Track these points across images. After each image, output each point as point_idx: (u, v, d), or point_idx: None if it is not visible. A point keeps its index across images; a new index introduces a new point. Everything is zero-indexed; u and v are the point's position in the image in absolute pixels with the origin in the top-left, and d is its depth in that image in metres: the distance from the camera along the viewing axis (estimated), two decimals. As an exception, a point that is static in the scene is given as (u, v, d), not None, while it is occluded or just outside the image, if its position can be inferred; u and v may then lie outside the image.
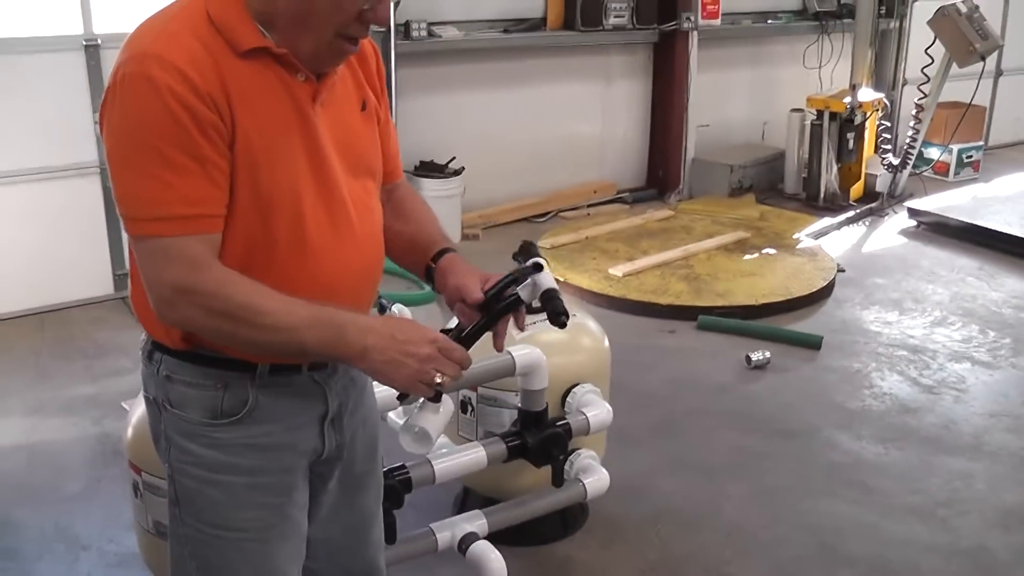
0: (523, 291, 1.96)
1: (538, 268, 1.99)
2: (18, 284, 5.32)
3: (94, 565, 3.33)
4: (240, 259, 1.72)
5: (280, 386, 1.86)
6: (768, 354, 4.82)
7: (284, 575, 1.97)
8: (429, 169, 6.56)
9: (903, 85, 8.08)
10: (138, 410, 2.82)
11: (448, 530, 2.94)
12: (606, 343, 3.45)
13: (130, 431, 2.80)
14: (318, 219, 1.77)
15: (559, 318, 1.94)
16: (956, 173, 8.33)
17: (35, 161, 5.27)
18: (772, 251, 6.33)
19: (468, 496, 3.52)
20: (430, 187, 6.44)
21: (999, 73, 9.19)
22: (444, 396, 1.84)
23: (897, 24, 8.02)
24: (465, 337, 1.90)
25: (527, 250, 2.04)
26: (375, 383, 1.92)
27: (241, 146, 1.68)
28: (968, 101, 7.60)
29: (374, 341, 1.69)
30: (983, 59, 7.10)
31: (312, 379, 1.90)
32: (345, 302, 1.78)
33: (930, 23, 7.22)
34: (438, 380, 1.73)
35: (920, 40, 7.47)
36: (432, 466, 2.86)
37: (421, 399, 1.83)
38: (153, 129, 1.62)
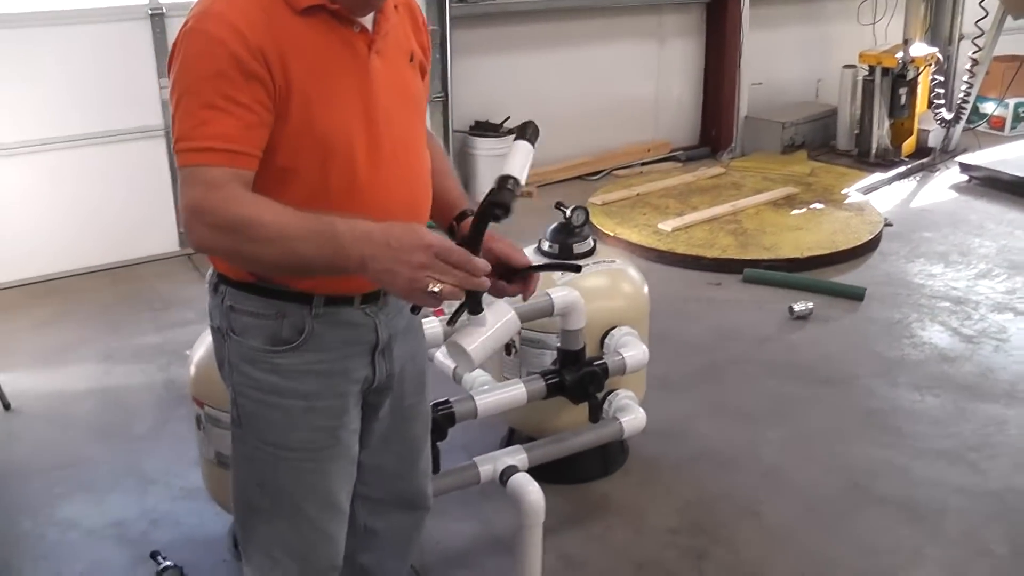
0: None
1: (524, 136, 1.95)
2: (90, 241, 5.58)
3: (161, 498, 3.55)
4: (300, 207, 1.83)
5: (334, 316, 2.01)
6: (811, 305, 4.91)
7: (334, 493, 2.13)
8: (484, 129, 6.71)
9: (959, 40, 8.03)
10: (200, 348, 3.02)
11: (490, 463, 3.09)
12: (645, 290, 3.59)
13: (192, 368, 3.01)
14: (370, 160, 1.92)
15: (492, 209, 1.81)
16: (1012, 127, 8.27)
17: (105, 125, 5.52)
18: (820, 206, 6.39)
19: (513, 436, 3.69)
20: (485, 146, 6.59)
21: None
22: (488, 314, 1.83)
23: (952, -23, 7.97)
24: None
25: (523, 129, 1.98)
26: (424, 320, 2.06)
27: (297, 94, 1.82)
28: (1024, 55, 7.56)
29: (370, 251, 1.70)
30: (1038, 11, 7.04)
31: (364, 312, 2.04)
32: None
33: (984, -24, 7.18)
34: (435, 288, 1.67)
35: (976, -7, 7.43)
36: (474, 401, 3.03)
37: (466, 316, 1.83)
38: (199, 74, 1.79)
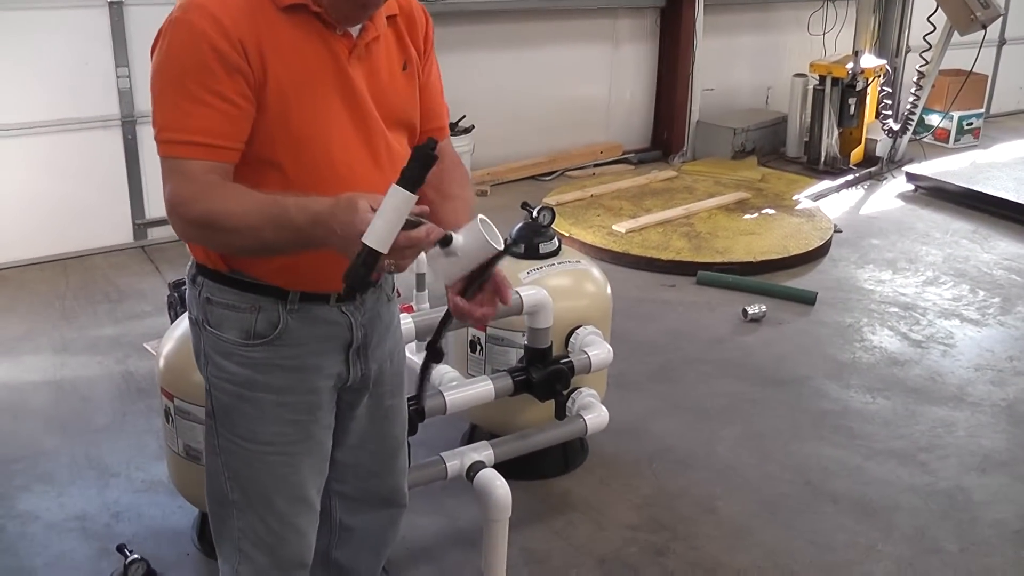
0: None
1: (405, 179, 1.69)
2: (43, 231, 5.52)
3: (123, 491, 3.52)
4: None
5: (308, 312, 2.04)
6: (764, 308, 5.01)
7: (304, 488, 2.15)
8: (439, 127, 6.71)
9: (906, 52, 8.20)
10: (169, 341, 3.02)
11: (457, 459, 3.12)
12: (608, 290, 3.64)
13: (162, 361, 2.99)
14: (350, 158, 1.95)
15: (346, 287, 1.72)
16: (956, 140, 8.48)
17: (60, 113, 5.45)
18: (772, 211, 6.50)
19: (475, 433, 3.72)
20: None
21: (1002, 42, 9.32)
22: (458, 241, 1.78)
23: (901, -9, 8.13)
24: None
25: (412, 164, 1.68)
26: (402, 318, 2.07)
27: (273, 89, 1.86)
28: (969, 69, 7.74)
29: (323, 233, 1.72)
30: (984, 28, 7.21)
31: (340, 310, 2.07)
32: None
33: (932, -9, 7.34)
34: (391, 269, 1.74)
35: (923, 7, 7.60)
36: (443, 397, 3.06)
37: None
38: (183, 65, 1.82)
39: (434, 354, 2.02)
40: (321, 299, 2.04)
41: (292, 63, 1.88)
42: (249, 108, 1.85)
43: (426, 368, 2.08)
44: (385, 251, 1.63)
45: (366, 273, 1.64)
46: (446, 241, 1.77)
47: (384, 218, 1.63)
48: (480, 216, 1.81)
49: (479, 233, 1.78)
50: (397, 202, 1.64)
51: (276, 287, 2.00)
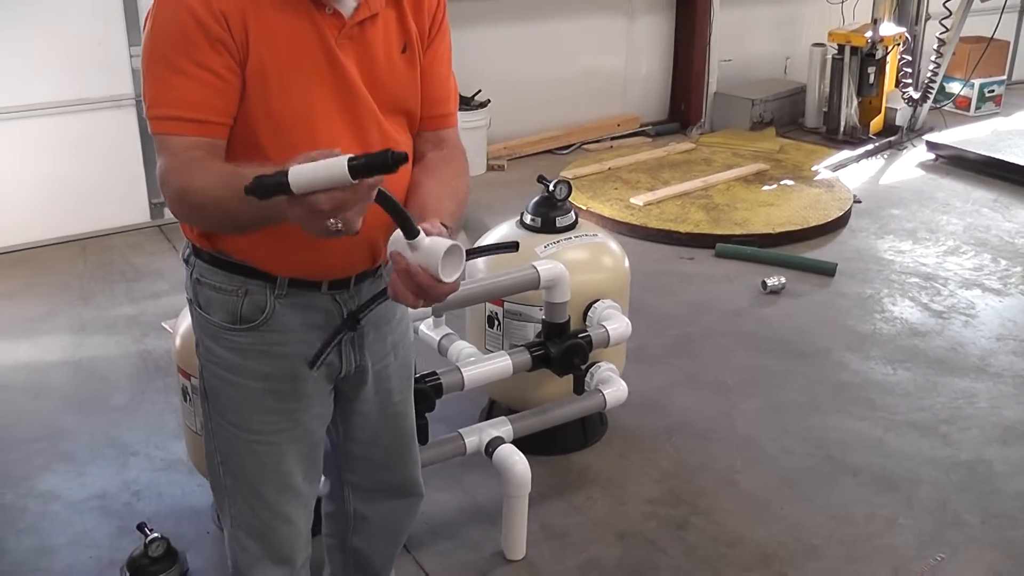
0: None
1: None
2: (60, 211, 5.52)
3: (142, 469, 3.54)
4: None
5: (298, 299, 1.98)
6: (783, 280, 4.97)
7: (291, 476, 2.11)
8: (454, 102, 6.68)
9: (926, 19, 8.09)
10: (187, 320, 3.01)
11: (476, 435, 3.12)
12: (626, 263, 3.62)
13: (178, 339, 2.99)
14: (337, 144, 1.75)
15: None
16: (977, 108, 8.37)
17: (74, 93, 5.44)
18: (790, 182, 6.44)
19: (494, 408, 3.71)
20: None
21: (1024, 8, 9.19)
22: (422, 243, 1.68)
23: (920, -43, 8.03)
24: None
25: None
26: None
27: (253, 67, 1.80)
28: (990, 35, 7.64)
29: (283, 205, 1.58)
30: (1004, -7, 7.12)
31: (333, 298, 2.01)
32: (366, 224, 1.71)
33: (952, -44, 7.25)
34: (337, 227, 1.58)
35: (943, -26, 7.50)
36: (461, 373, 3.05)
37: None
38: (169, 39, 1.78)
39: (351, 323, 1.95)
40: (312, 286, 1.99)
41: (276, 42, 1.81)
42: (235, 81, 1.79)
43: (336, 334, 1.95)
44: (292, 191, 1.53)
45: (267, 189, 1.54)
46: (412, 234, 1.68)
47: (315, 167, 1.54)
48: (455, 242, 1.70)
49: (437, 255, 1.68)
50: (333, 164, 1.53)
51: (264, 272, 1.95)
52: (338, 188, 1.52)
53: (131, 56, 5.49)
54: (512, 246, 1.95)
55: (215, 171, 1.74)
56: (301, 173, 1.53)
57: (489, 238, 3.65)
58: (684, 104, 7.93)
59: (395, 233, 1.71)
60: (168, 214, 5.68)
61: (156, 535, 2.93)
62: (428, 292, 1.70)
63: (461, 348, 3.38)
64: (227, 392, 2.04)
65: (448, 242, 1.69)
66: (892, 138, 7.48)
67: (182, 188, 1.75)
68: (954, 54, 7.56)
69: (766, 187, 6.36)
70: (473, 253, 1.80)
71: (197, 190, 1.73)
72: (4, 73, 5.25)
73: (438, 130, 2.08)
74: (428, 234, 1.70)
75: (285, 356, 2.00)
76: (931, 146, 7.20)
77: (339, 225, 1.57)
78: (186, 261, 2.06)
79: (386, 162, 1.50)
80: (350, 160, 1.51)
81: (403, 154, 1.50)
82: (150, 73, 1.81)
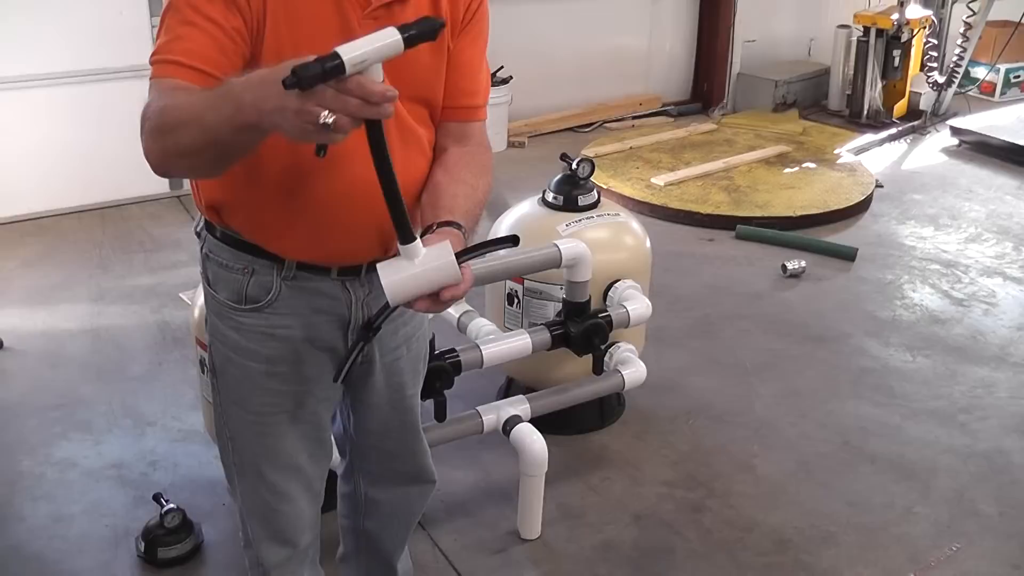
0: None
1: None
2: (79, 181, 5.52)
3: (159, 439, 3.55)
4: (283, 159, 1.78)
5: (306, 282, 1.93)
6: (803, 263, 4.94)
7: (293, 455, 2.08)
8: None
9: (952, 2, 8.00)
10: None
11: (493, 413, 3.11)
12: (647, 244, 3.60)
13: (196, 311, 2.99)
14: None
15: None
16: (1003, 93, 8.28)
17: (95, 63, 5.43)
18: (812, 165, 6.40)
19: (512, 387, 3.70)
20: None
21: (1052, -8, 9.07)
22: (422, 249, 1.63)
23: (948, -61, 7.94)
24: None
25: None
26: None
27: (270, 40, 1.73)
28: (1018, 20, 7.55)
29: (261, 91, 1.46)
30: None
31: (343, 285, 1.96)
32: (375, 210, 1.70)
33: (981, -61, 7.16)
34: (327, 120, 1.42)
35: (971, -43, 7.41)
36: (480, 350, 3.04)
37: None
38: None
39: (368, 333, 1.88)
40: (322, 271, 1.94)
41: (294, 16, 1.74)
42: (242, 46, 1.72)
43: (355, 346, 1.89)
44: (346, 71, 1.40)
45: (314, 76, 1.39)
46: (408, 238, 1.62)
47: (366, 40, 1.44)
48: (449, 257, 1.63)
49: (441, 258, 1.63)
50: (385, 35, 1.46)
51: (272, 254, 1.90)
52: (376, 85, 1.44)
53: (152, 26, 5.46)
54: (511, 240, 1.84)
55: (198, 92, 1.64)
56: (353, 49, 1.42)
57: (510, 216, 3.62)
58: (707, 84, 7.88)
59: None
60: (187, 184, 5.72)
61: (172, 506, 2.94)
62: (442, 298, 1.66)
63: (481, 326, 3.37)
64: (230, 371, 2.02)
65: (448, 255, 1.63)
66: (916, 122, 7.42)
67: (162, 107, 1.63)
68: (980, 38, 7.49)
69: (788, 169, 6.32)
70: (470, 251, 1.70)
71: (176, 106, 1.61)
72: (25, 42, 5.24)
73: (463, 122, 1.98)
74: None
75: (288, 339, 1.97)
76: (955, 131, 7.13)
77: (330, 119, 1.41)
78: (198, 235, 2.02)
79: (433, 28, 1.49)
80: (401, 28, 1.47)
81: (443, 21, 1.54)
82: (162, 26, 1.75)
